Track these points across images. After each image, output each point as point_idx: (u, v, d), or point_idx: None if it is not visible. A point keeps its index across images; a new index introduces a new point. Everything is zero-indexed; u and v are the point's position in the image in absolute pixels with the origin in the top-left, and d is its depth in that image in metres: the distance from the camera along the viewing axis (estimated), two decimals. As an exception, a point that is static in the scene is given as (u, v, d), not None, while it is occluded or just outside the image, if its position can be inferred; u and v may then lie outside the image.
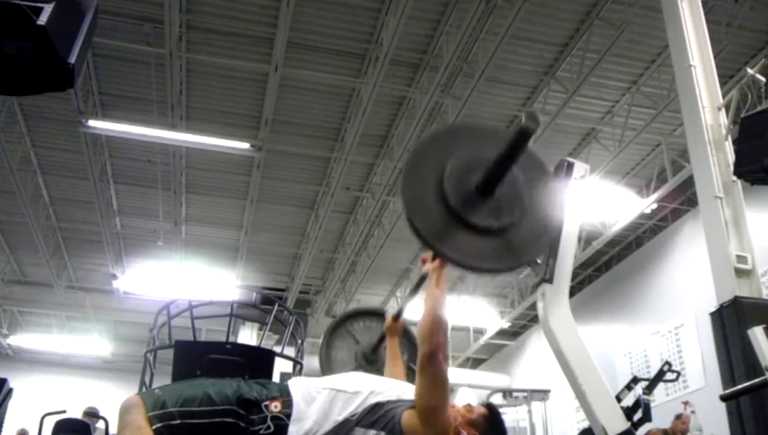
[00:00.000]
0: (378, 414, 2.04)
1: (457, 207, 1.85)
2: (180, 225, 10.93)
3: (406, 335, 3.25)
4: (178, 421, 1.92)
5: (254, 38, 7.38)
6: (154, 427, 1.89)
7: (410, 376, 2.81)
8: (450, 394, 2.10)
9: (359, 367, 3.28)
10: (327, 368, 3.34)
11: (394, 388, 2.15)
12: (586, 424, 5.76)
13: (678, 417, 6.77)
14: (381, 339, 3.10)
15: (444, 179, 1.88)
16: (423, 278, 2.40)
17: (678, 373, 7.75)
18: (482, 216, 1.86)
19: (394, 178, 9.46)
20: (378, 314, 3.52)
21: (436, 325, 2.00)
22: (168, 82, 7.65)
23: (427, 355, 1.97)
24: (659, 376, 6.92)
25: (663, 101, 7.73)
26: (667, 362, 7.10)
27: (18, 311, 13.98)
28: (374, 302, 13.63)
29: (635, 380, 6.77)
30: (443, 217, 1.85)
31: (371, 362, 3.32)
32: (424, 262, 2.28)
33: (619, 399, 5.78)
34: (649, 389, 6.61)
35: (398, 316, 2.87)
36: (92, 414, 7.69)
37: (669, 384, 8.37)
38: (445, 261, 2.11)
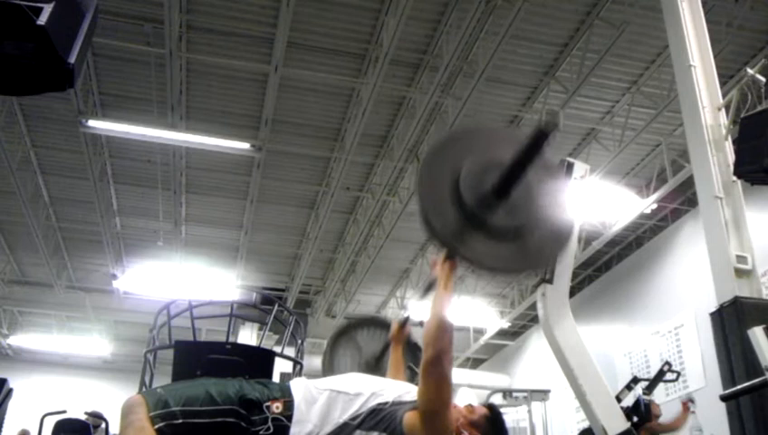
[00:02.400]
0: (379, 417, 2.04)
1: (473, 208, 1.86)
2: (180, 225, 10.93)
3: (409, 345, 3.25)
4: (180, 421, 1.93)
5: (254, 38, 7.38)
6: (156, 426, 1.90)
7: (412, 378, 2.81)
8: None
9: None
10: (330, 374, 3.36)
11: (395, 389, 2.15)
12: (586, 424, 5.75)
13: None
14: (386, 347, 3.10)
15: (460, 181, 1.88)
16: (434, 282, 2.41)
17: (678, 373, 7.73)
18: (498, 216, 1.87)
19: (394, 178, 9.46)
20: (382, 324, 3.52)
21: (441, 329, 1.97)
22: (167, 82, 7.64)
23: (431, 359, 1.95)
24: (659, 376, 6.89)
25: (663, 101, 7.73)
26: (667, 362, 7.08)
27: (18, 311, 13.99)
28: (374, 302, 13.64)
29: (635, 380, 6.74)
30: (459, 217, 1.86)
31: (375, 369, 3.32)
32: (434, 265, 2.23)
33: (619, 399, 5.77)
34: (649, 389, 6.58)
35: (404, 324, 2.87)
36: (97, 416, 7.70)
37: (669, 384, 8.36)
38: (460, 261, 2.05)
